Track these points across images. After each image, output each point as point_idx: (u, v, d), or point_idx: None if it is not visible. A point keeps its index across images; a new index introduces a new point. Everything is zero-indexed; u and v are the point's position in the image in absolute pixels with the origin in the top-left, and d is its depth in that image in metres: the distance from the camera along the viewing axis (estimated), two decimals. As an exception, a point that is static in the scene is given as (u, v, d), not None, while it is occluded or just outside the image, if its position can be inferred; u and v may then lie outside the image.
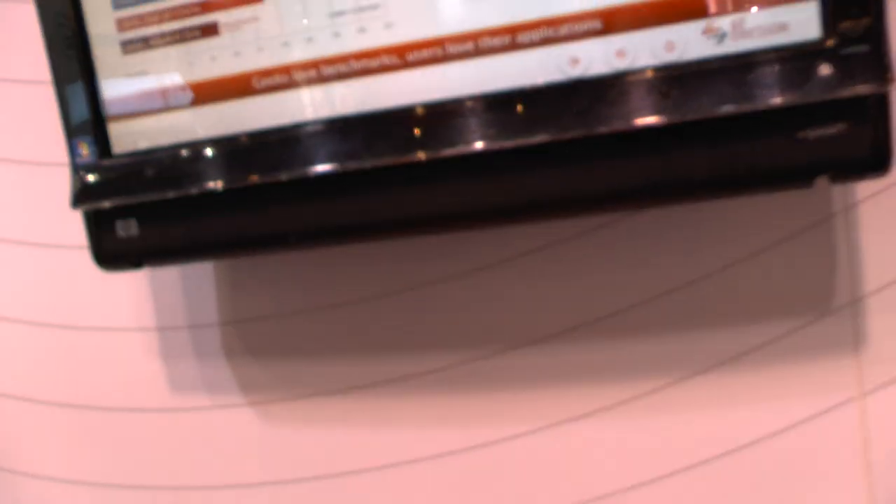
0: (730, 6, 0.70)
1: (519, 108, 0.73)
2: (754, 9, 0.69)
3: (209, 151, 0.81)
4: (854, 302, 0.85)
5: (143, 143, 0.84)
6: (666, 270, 0.89)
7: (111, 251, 0.87)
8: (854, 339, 0.85)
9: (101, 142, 0.84)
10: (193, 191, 0.81)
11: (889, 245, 0.83)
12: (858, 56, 0.66)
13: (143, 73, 0.83)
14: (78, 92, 0.84)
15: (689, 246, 0.88)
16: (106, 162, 0.84)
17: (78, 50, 0.83)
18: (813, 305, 0.86)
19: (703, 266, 0.88)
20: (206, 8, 0.81)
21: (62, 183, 1.01)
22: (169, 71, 0.82)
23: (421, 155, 0.75)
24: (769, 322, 0.87)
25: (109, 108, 0.84)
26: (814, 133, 0.69)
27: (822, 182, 0.70)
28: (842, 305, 0.85)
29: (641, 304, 0.91)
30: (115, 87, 0.84)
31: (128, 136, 0.84)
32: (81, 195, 0.84)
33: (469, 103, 0.74)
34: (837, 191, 0.83)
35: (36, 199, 1.06)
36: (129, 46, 0.83)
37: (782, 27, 0.69)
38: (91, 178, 0.84)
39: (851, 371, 0.85)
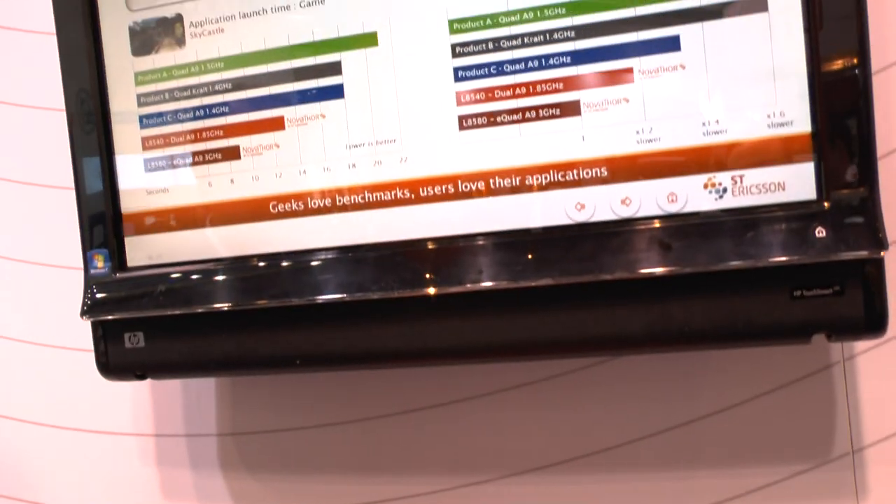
0: (730, 163, 0.72)
1: (525, 249, 0.75)
2: (753, 167, 0.72)
3: (221, 271, 0.83)
4: (854, 452, 0.85)
5: (158, 259, 0.86)
6: (666, 408, 0.89)
7: (116, 362, 0.88)
8: (855, 489, 0.84)
9: (117, 255, 0.86)
10: (203, 310, 0.82)
11: (889, 396, 0.84)
12: (852, 221, 0.68)
13: (163, 190, 0.86)
14: (98, 206, 0.86)
15: (690, 385, 0.89)
16: (120, 275, 0.86)
17: (103, 166, 0.86)
18: (813, 452, 0.86)
19: (703, 406, 0.88)
20: (228, 132, 0.84)
21: (69, 287, 1.03)
22: (189, 190, 0.85)
23: (429, 290, 0.77)
24: (768, 466, 0.87)
25: (127, 223, 0.87)
26: (810, 292, 0.70)
27: (819, 338, 0.71)
28: (842, 454, 0.85)
29: (641, 440, 0.91)
30: (134, 203, 0.87)
31: (143, 251, 0.87)
32: (93, 307, 0.86)
33: (477, 241, 0.77)
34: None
35: (41, 301, 1.07)
36: (151, 164, 0.86)
37: (780, 186, 0.72)
38: (104, 290, 0.86)
39: (851, 520, 0.85)
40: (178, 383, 1.04)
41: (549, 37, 0.76)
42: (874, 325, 0.70)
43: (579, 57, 0.75)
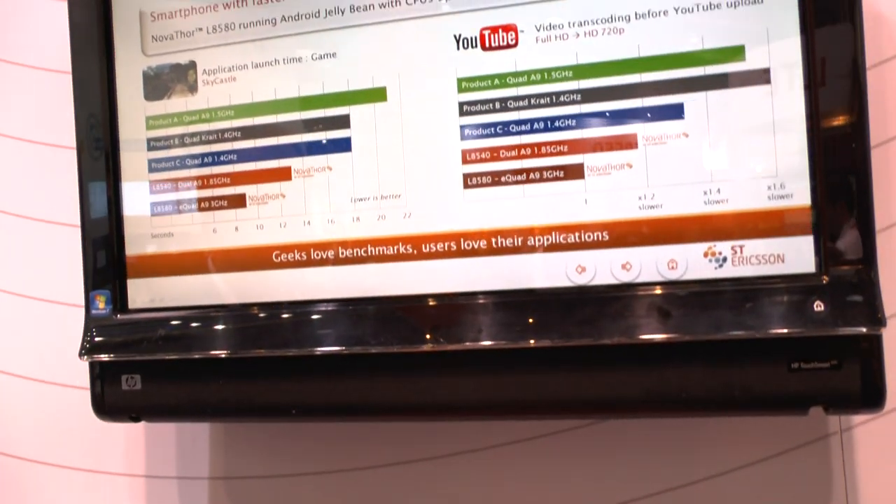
0: (730, 232, 0.73)
1: (524, 310, 0.76)
2: (753, 237, 0.72)
3: (222, 319, 0.83)
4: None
5: (159, 302, 0.87)
6: (661, 471, 0.89)
7: (112, 403, 0.88)
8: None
9: (119, 297, 0.87)
10: (201, 356, 0.83)
11: (886, 469, 0.83)
12: (852, 297, 0.68)
13: (168, 234, 0.87)
14: (102, 247, 0.87)
15: (685, 448, 0.89)
16: (121, 317, 0.87)
17: (109, 208, 0.86)
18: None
19: (698, 470, 0.88)
20: (235, 180, 0.85)
21: (68, 324, 1.03)
22: (193, 235, 0.86)
23: (427, 347, 0.77)
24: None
25: (131, 265, 0.87)
26: (808, 365, 0.70)
27: (817, 409, 0.71)
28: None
29: (634, 502, 0.90)
30: (139, 246, 0.87)
31: (145, 293, 0.87)
32: (92, 348, 0.86)
33: (477, 300, 0.77)
34: (833, 412, 0.84)
35: (39, 337, 1.07)
36: (157, 208, 0.87)
37: (780, 258, 0.72)
38: (104, 331, 0.86)
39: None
40: (172, 425, 1.03)
41: (555, 99, 0.77)
42: (872, 400, 0.70)
43: (584, 121, 0.76)
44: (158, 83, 0.87)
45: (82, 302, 0.88)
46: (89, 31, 0.89)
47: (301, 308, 0.81)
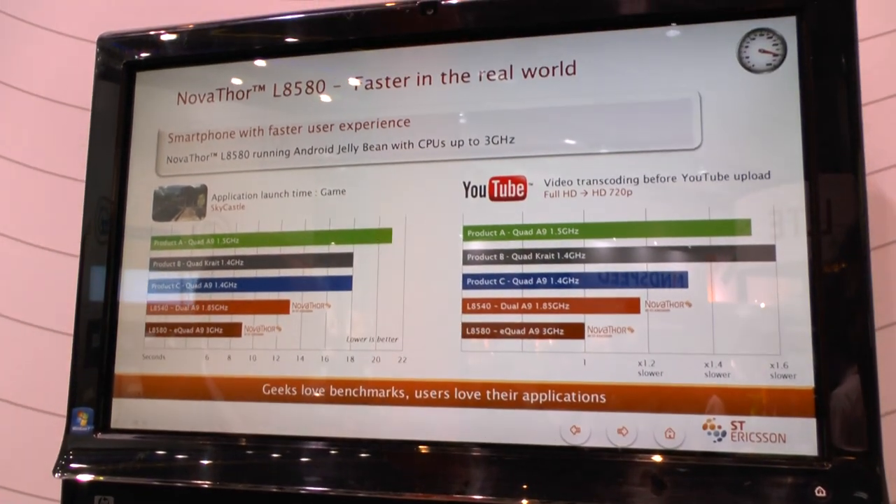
0: (730, 407, 0.71)
1: (514, 466, 0.74)
2: (754, 414, 0.70)
3: (205, 448, 0.81)
4: None
5: (143, 424, 0.85)
6: None
7: (82, 525, 0.85)
8: None
9: (102, 415, 0.85)
10: (182, 483, 0.80)
11: None
12: (855, 489, 0.66)
13: (159, 357, 0.85)
14: (92, 363, 0.86)
15: None
16: (101, 436, 0.84)
17: (104, 325, 0.86)
18: None
19: None
20: (233, 308, 0.84)
21: (44, 432, 1.00)
22: (185, 360, 0.84)
23: (411, 496, 0.74)
24: None
25: (119, 384, 0.86)
26: (807, 555, 0.67)
27: None
28: None
29: None
30: (129, 366, 0.86)
31: (129, 414, 0.85)
32: (68, 466, 0.83)
33: (466, 451, 0.75)
34: None
35: (16, 443, 1.05)
36: (152, 329, 0.86)
37: (781, 437, 0.70)
38: (82, 450, 0.84)
39: None
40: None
41: (560, 256, 0.77)
42: None
43: (588, 280, 0.76)
44: (168, 204, 0.88)
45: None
46: (108, 143, 0.90)
47: (287, 444, 0.79)
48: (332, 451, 0.78)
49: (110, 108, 0.89)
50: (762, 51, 0.75)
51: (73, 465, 0.84)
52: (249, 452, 0.80)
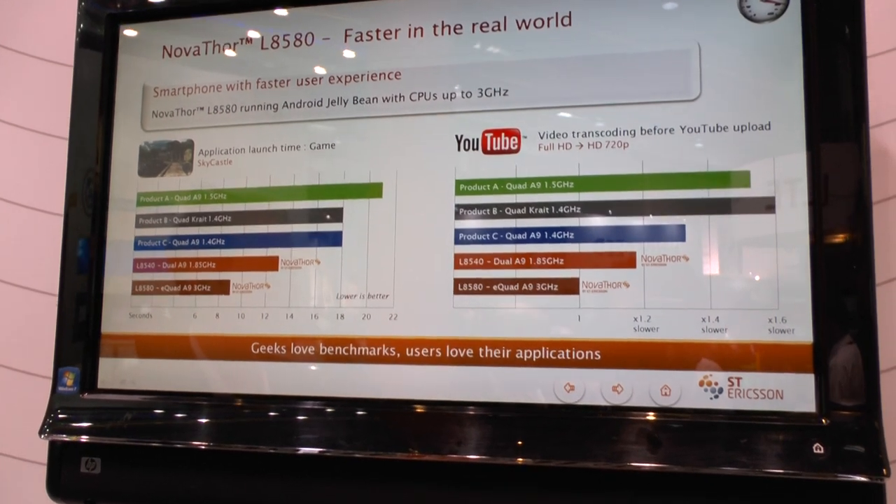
0: (727, 363, 0.70)
1: (507, 425, 0.72)
2: (751, 370, 0.69)
3: (193, 408, 0.79)
4: None
5: (130, 384, 0.83)
6: None
7: (68, 485, 0.84)
8: None
9: (89, 375, 0.83)
10: (168, 444, 0.79)
11: None
12: (853, 444, 0.65)
13: (146, 315, 0.84)
14: (78, 322, 0.84)
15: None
16: (88, 396, 0.83)
17: (90, 283, 0.84)
18: None
19: None
20: (221, 266, 0.82)
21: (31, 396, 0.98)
22: (172, 319, 0.83)
23: (402, 456, 0.73)
24: None
25: (105, 344, 0.84)
26: (805, 510, 0.66)
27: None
28: None
29: None
30: (116, 325, 0.84)
31: (116, 374, 0.84)
32: (54, 426, 0.82)
33: (459, 410, 0.73)
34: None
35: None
36: (139, 287, 0.84)
37: (778, 394, 0.69)
38: (69, 410, 0.82)
39: None
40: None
41: (554, 210, 0.75)
42: (872, 552, 0.65)
43: (583, 234, 0.74)
44: (154, 160, 0.86)
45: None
46: (91, 98, 0.87)
47: (277, 403, 0.78)
48: (322, 412, 0.77)
49: (93, 61, 0.87)
50: (764, -1, 0.73)
51: (60, 426, 0.82)
52: (238, 413, 0.79)
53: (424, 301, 0.76)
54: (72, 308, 0.85)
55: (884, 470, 0.64)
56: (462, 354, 0.75)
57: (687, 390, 0.70)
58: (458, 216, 0.77)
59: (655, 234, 0.72)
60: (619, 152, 0.74)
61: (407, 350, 0.76)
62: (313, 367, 0.78)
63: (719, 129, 0.72)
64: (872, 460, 0.65)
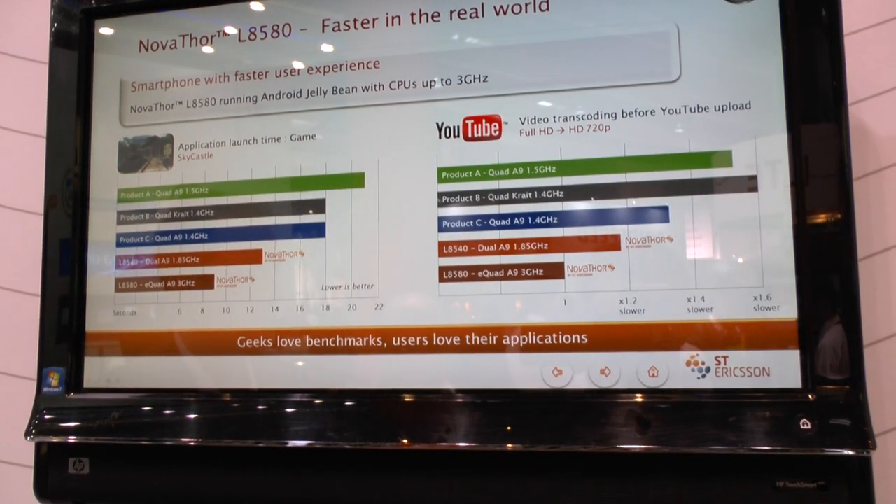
0: (714, 342, 0.70)
1: (496, 412, 0.72)
2: (738, 348, 0.69)
3: (180, 405, 0.79)
4: None
5: (116, 383, 0.82)
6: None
7: (56, 486, 0.83)
8: None
9: (74, 375, 0.82)
10: (157, 442, 0.78)
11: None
12: (839, 417, 0.65)
13: (131, 313, 0.83)
14: (61, 322, 0.83)
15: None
16: (74, 396, 0.82)
17: (72, 282, 0.83)
18: None
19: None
20: (204, 260, 0.82)
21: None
22: (157, 315, 0.82)
23: (392, 446, 0.73)
24: None
25: (90, 342, 0.83)
26: (793, 484, 0.67)
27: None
28: None
29: None
30: (100, 323, 0.83)
31: (101, 373, 0.83)
32: (40, 428, 0.81)
33: (447, 398, 0.73)
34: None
35: None
36: (122, 284, 0.83)
37: (765, 371, 0.69)
38: (54, 411, 0.82)
39: None
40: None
41: (537, 194, 0.75)
42: (860, 526, 0.66)
43: (566, 218, 0.74)
44: (134, 155, 0.85)
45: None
46: (68, 95, 0.86)
47: (264, 397, 0.77)
48: (311, 404, 0.76)
49: (69, 58, 0.86)
50: (741, -23, 0.73)
51: (46, 427, 0.82)
52: (227, 407, 0.78)
53: (410, 290, 0.76)
54: (55, 308, 0.84)
55: (869, 442, 0.64)
56: (449, 342, 0.75)
57: (674, 371, 0.70)
58: (441, 204, 0.76)
59: (639, 217, 0.72)
60: (601, 135, 0.74)
61: (393, 339, 0.76)
62: (300, 359, 0.78)
63: (700, 109, 0.72)
64: (858, 434, 0.65)
